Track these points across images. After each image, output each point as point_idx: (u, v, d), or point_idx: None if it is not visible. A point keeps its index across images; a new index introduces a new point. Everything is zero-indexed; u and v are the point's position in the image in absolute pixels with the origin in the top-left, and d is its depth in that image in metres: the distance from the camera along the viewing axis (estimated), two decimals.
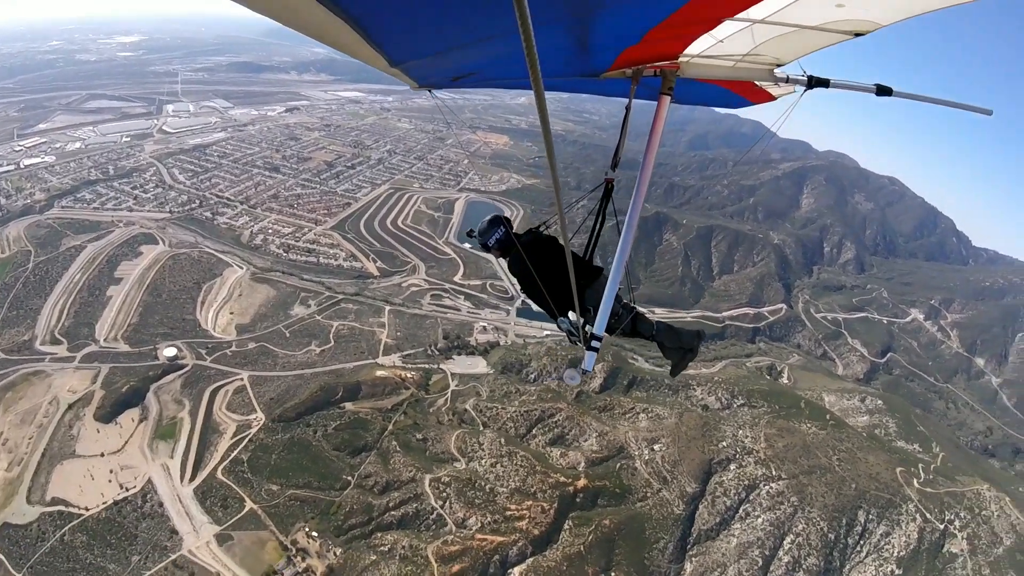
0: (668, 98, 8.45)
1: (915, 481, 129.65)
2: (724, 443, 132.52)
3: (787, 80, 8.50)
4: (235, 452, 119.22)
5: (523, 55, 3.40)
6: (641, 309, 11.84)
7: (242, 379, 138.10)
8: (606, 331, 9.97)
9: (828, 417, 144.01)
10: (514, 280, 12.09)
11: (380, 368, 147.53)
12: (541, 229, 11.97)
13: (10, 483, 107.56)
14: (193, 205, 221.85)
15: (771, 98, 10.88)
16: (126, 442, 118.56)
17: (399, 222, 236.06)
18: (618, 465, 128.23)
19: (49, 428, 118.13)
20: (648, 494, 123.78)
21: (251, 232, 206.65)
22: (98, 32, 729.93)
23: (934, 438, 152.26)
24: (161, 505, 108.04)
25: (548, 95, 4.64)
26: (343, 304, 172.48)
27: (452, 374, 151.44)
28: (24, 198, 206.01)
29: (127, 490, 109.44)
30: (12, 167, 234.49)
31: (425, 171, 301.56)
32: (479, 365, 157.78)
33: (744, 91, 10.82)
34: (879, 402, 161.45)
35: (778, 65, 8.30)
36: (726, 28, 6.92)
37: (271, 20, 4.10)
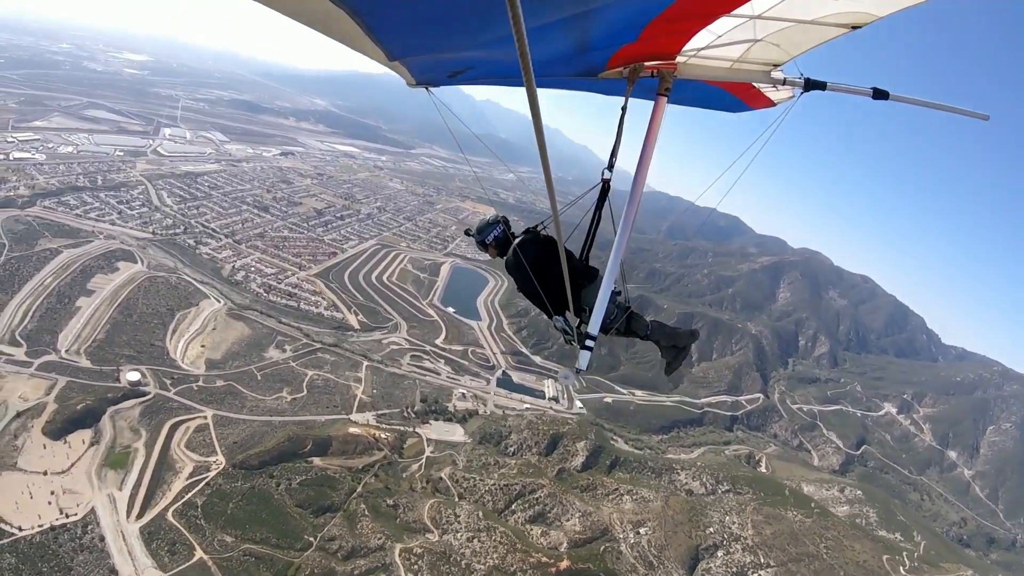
0: (665, 99, 8.47)
1: (901, 568, 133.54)
2: (711, 529, 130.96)
3: (784, 82, 8.52)
4: (190, 494, 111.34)
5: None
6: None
7: (205, 417, 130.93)
8: (601, 331, 10.05)
9: (812, 505, 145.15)
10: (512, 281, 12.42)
11: (353, 425, 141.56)
12: (539, 229, 12.03)
13: None
14: (177, 230, 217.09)
15: (770, 103, 10.65)
16: (73, 464, 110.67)
17: (384, 278, 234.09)
18: (602, 548, 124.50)
19: None
20: None
21: (233, 267, 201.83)
22: (108, 44, 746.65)
23: (914, 527, 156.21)
24: (102, 539, 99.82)
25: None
26: (320, 353, 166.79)
27: (428, 439, 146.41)
28: (7, 190, 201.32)
29: (67, 516, 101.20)
30: (1, 156, 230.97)
31: (413, 232, 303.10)
32: (456, 433, 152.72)
33: (742, 94, 10.51)
34: (858, 492, 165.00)
35: (775, 66, 8.37)
36: (723, 24, 6.98)
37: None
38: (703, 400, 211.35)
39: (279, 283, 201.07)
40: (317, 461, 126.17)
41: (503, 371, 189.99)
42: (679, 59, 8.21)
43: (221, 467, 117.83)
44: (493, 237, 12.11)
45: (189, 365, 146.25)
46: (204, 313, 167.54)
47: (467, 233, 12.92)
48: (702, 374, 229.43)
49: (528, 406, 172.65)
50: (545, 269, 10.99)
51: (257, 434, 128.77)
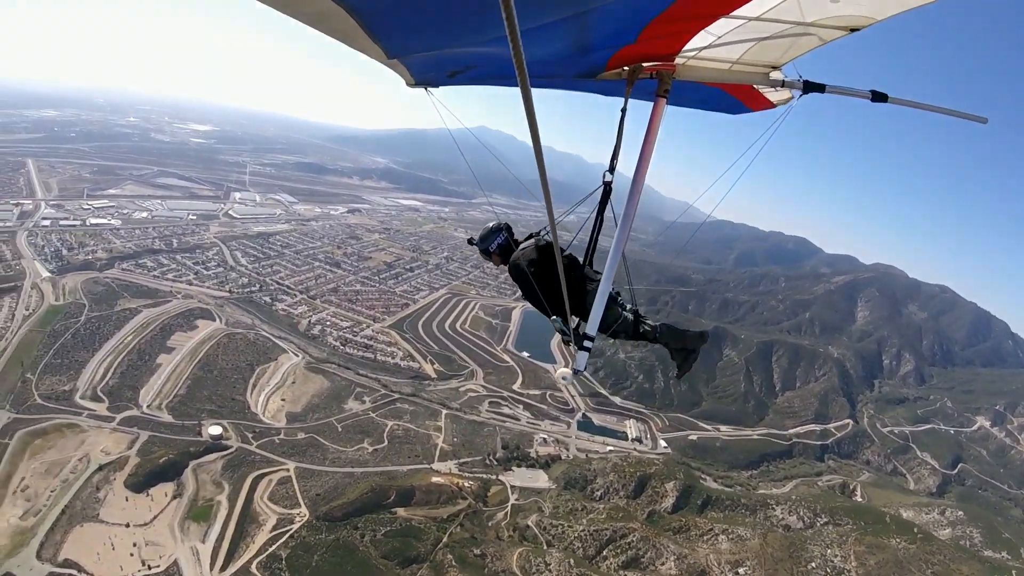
0: (664, 100, 8.43)
1: None
2: (813, 564, 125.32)
3: (783, 84, 8.53)
4: (274, 547, 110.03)
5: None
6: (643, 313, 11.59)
7: (288, 470, 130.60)
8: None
9: (915, 530, 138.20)
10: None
11: (435, 474, 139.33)
12: (541, 235, 11.69)
13: (22, 533, 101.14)
14: (253, 288, 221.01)
15: (770, 105, 10.27)
16: (155, 516, 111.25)
17: (457, 326, 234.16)
18: None
19: (75, 485, 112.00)
20: None
21: (309, 322, 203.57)
22: (174, 116, 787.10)
23: (1021, 544, 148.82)
24: None
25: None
26: (399, 403, 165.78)
27: (512, 486, 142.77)
28: (86, 254, 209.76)
29: (149, 568, 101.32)
30: (78, 223, 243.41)
31: (482, 279, 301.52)
32: (540, 479, 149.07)
33: (741, 95, 10.19)
34: (960, 513, 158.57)
35: (774, 68, 8.42)
36: (722, 25, 6.98)
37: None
38: (791, 431, 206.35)
39: (355, 336, 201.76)
40: (401, 511, 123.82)
41: (583, 414, 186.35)
42: (678, 60, 8.26)
43: (305, 519, 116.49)
44: (496, 245, 12.11)
45: (270, 419, 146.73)
46: (283, 367, 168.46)
47: (470, 242, 12.90)
48: (787, 404, 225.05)
49: (611, 448, 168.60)
50: (547, 275, 10.78)
51: (340, 485, 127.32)
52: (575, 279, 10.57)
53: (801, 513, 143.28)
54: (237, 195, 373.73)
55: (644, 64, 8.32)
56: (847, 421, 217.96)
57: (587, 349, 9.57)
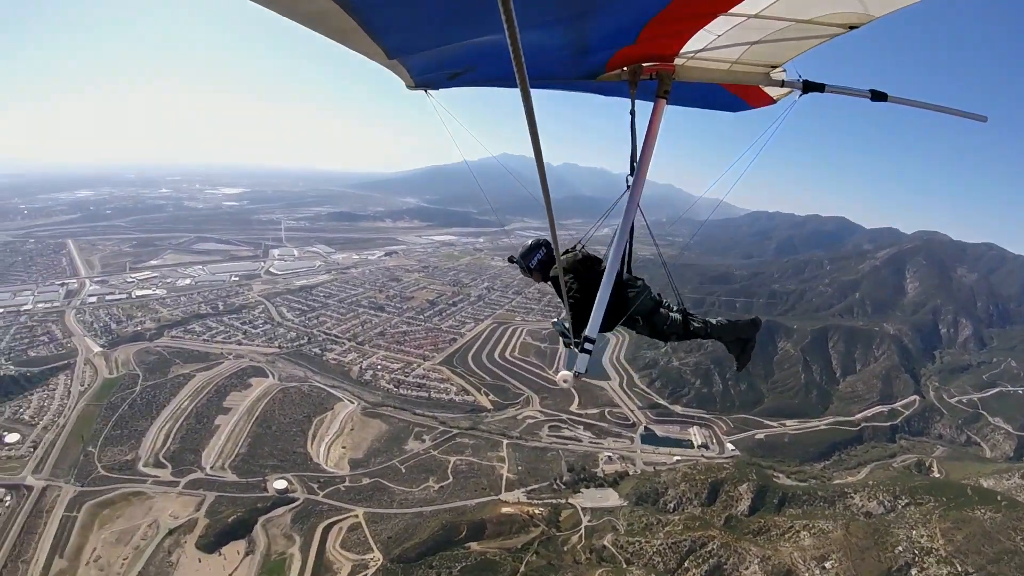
0: (664, 101, 8.62)
1: None
2: (900, 548, 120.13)
3: (783, 84, 8.66)
4: None
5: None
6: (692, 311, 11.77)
7: (357, 516, 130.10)
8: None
9: (999, 499, 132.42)
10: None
11: (504, 504, 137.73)
12: (577, 249, 12.02)
13: None
14: (302, 341, 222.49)
15: (770, 101, 10.53)
16: (230, 575, 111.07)
17: (507, 355, 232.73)
18: None
19: (146, 551, 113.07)
20: None
21: (360, 368, 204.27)
22: (204, 182, 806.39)
23: None
24: None
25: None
26: (458, 438, 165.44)
27: (583, 508, 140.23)
28: (135, 325, 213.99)
29: None
30: (124, 296, 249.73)
31: (525, 304, 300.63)
32: (611, 497, 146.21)
33: (742, 93, 10.47)
34: None
35: (774, 67, 8.49)
36: (721, 24, 7.00)
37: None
38: (858, 416, 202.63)
39: (407, 376, 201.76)
40: (475, 546, 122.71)
41: (645, 427, 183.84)
42: (678, 61, 8.29)
43: (379, 563, 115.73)
44: (537, 261, 12.36)
45: (333, 467, 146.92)
46: (340, 416, 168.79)
47: (510, 260, 13.07)
48: (850, 389, 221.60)
49: (679, 458, 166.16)
50: (588, 284, 10.80)
51: (410, 526, 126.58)
52: (615, 285, 10.05)
53: (881, 498, 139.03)
54: (275, 252, 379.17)
55: (644, 65, 8.41)
56: (913, 397, 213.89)
57: (588, 351, 9.55)
